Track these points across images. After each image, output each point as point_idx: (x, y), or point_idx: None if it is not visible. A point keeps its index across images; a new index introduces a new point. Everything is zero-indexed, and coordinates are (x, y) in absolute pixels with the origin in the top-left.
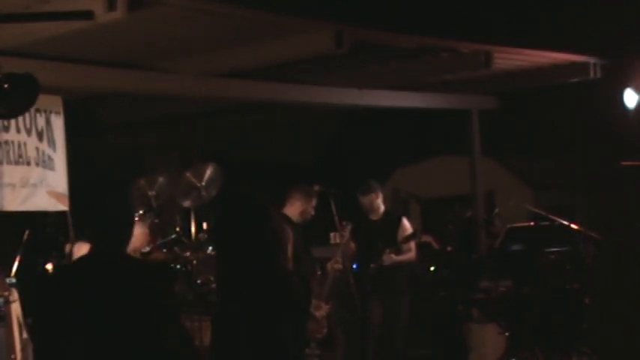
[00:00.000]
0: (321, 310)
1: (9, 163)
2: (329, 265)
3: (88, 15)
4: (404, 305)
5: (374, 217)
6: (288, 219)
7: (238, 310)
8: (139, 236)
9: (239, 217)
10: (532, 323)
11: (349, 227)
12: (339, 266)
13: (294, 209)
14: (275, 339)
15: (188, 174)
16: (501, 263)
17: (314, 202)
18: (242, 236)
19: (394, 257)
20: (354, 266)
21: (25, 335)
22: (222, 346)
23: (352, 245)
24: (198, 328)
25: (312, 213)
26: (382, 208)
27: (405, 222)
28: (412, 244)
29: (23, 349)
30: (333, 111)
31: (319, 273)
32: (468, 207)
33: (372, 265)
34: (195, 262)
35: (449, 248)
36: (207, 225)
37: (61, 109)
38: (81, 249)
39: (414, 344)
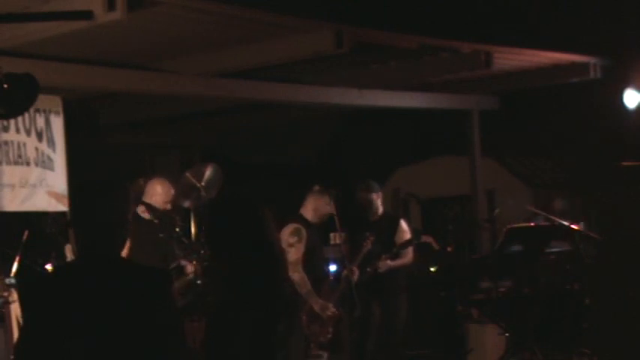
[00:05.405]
0: (327, 312)
1: (8, 163)
2: (344, 273)
3: (87, 15)
4: (403, 305)
5: (372, 218)
6: (303, 219)
7: (237, 310)
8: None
9: (234, 220)
10: (532, 323)
11: (372, 238)
12: (355, 276)
13: (309, 209)
14: (272, 338)
15: (188, 174)
16: (501, 263)
17: (326, 199)
18: (238, 238)
19: (390, 263)
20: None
21: None
22: (218, 344)
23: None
24: (198, 328)
25: (328, 209)
26: (381, 209)
27: (404, 224)
28: (409, 249)
29: None
30: (333, 111)
31: (331, 278)
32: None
33: (368, 269)
34: (194, 262)
35: (449, 248)
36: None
37: (60, 109)
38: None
39: (414, 344)
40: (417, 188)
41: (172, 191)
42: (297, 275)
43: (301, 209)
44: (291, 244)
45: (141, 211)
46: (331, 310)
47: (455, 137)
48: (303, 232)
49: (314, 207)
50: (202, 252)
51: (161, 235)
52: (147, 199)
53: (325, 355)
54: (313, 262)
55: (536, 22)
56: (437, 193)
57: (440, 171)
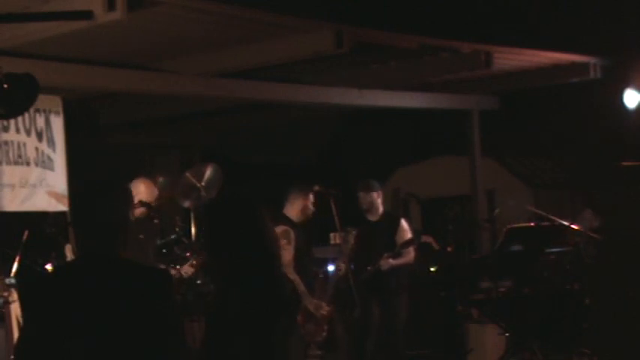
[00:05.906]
0: (321, 310)
1: (8, 163)
2: (337, 272)
3: (87, 15)
4: (403, 305)
5: (373, 218)
6: (289, 220)
7: (236, 309)
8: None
9: (234, 220)
10: (532, 323)
11: (354, 232)
12: (342, 271)
13: (293, 208)
14: (272, 338)
15: (188, 174)
16: (501, 263)
17: (311, 197)
18: (237, 238)
19: (392, 262)
20: (351, 267)
21: None
22: (218, 344)
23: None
24: (198, 328)
25: (312, 209)
26: (381, 208)
27: (404, 224)
28: (411, 248)
29: None
30: (333, 111)
31: (321, 276)
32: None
33: (369, 268)
34: (195, 262)
35: (449, 248)
36: None
37: (60, 109)
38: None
39: (414, 344)
40: (417, 188)
41: (156, 191)
42: (289, 277)
43: (285, 209)
44: (281, 246)
45: None
46: (325, 308)
47: (455, 137)
48: (292, 233)
49: (302, 206)
50: (202, 252)
51: (141, 236)
52: None
53: (320, 353)
54: (303, 262)
55: (536, 22)
56: (437, 193)
57: (440, 171)
